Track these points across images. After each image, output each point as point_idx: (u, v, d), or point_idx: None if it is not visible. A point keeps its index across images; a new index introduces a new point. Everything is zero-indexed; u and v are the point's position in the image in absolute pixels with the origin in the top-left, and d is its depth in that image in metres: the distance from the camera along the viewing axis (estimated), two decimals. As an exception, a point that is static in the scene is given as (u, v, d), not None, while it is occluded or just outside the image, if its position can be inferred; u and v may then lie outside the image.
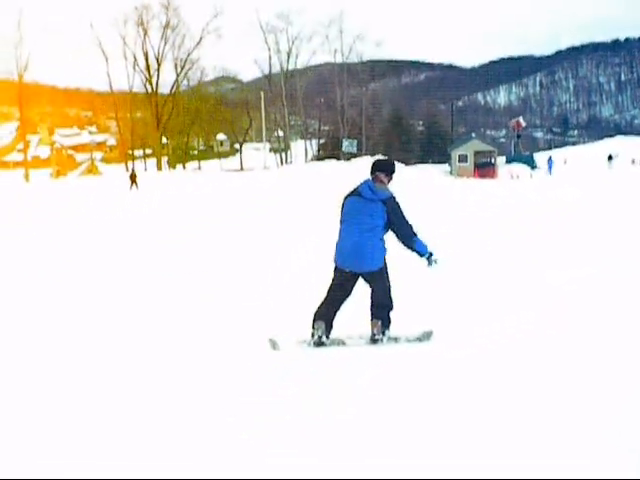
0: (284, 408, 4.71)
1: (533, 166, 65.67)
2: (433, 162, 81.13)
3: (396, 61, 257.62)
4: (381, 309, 6.56)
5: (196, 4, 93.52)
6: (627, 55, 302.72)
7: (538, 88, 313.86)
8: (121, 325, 7.89)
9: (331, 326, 6.61)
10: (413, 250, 6.51)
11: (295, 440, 4.15)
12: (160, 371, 5.93)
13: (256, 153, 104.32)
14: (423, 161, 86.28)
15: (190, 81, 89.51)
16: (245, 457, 3.94)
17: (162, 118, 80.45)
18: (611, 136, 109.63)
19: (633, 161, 66.57)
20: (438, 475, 3.62)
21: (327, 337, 6.60)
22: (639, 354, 5.65)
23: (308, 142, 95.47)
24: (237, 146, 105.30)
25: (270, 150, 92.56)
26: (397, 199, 6.49)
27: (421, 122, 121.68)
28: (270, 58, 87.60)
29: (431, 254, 6.52)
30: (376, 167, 6.68)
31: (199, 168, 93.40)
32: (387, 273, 6.53)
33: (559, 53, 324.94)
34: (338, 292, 6.57)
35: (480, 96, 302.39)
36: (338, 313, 6.62)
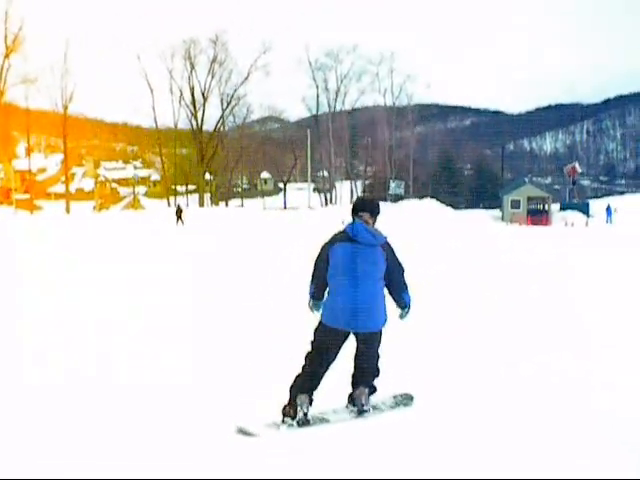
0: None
1: (588, 214, 63.01)
2: (483, 207, 78.52)
3: (442, 106, 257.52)
4: (370, 376, 5.88)
5: (244, 40, 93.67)
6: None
7: (585, 136, 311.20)
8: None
9: (312, 400, 5.66)
10: (400, 300, 5.85)
11: None
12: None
13: (299, 193, 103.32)
14: (472, 206, 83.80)
15: (236, 118, 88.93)
16: None
17: (206, 154, 79.67)
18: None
19: None
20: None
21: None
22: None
23: (353, 183, 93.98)
24: (281, 185, 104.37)
25: (314, 190, 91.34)
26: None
27: (469, 166, 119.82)
28: (318, 96, 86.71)
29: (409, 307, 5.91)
30: (360, 207, 5.85)
31: (242, 205, 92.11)
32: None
33: (607, 102, 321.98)
34: (324, 358, 5.66)
35: (526, 142, 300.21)
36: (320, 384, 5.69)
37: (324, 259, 5.70)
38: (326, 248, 5.71)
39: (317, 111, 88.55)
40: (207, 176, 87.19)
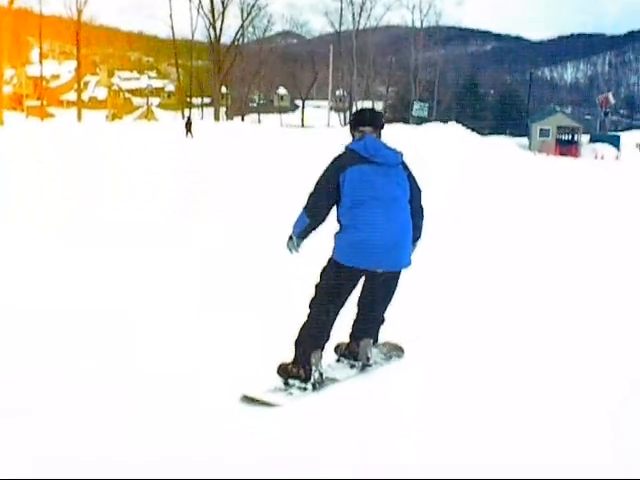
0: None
1: (619, 147, 61.06)
2: (510, 134, 76.08)
3: (462, 28, 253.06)
4: (378, 324, 5.15)
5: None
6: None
7: (607, 67, 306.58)
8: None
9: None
10: (417, 229, 4.92)
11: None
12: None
13: (316, 111, 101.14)
14: (497, 132, 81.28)
15: (256, 29, 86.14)
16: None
17: (223, 66, 77.02)
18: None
19: None
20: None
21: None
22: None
23: (373, 103, 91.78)
24: (297, 102, 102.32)
25: (331, 109, 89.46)
26: None
27: (492, 91, 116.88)
28: (342, 10, 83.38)
29: None
30: (361, 119, 4.98)
31: (259, 121, 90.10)
32: None
33: (631, 34, 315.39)
34: (338, 305, 4.75)
35: (547, 71, 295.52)
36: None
37: (331, 189, 4.66)
38: (334, 174, 4.66)
39: (340, 26, 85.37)
40: (223, 90, 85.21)
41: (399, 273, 4.87)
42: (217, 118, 76.47)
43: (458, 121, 67.82)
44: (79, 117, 69.57)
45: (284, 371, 4.70)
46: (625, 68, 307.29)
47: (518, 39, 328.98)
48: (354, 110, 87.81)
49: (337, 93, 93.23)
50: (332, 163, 4.72)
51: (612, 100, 70.96)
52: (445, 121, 67.04)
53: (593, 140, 64.75)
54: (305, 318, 4.76)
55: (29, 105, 68.64)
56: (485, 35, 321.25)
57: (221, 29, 77.75)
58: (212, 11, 77.36)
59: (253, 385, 4.58)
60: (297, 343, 4.72)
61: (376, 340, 5.20)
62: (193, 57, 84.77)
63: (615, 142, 62.75)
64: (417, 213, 4.93)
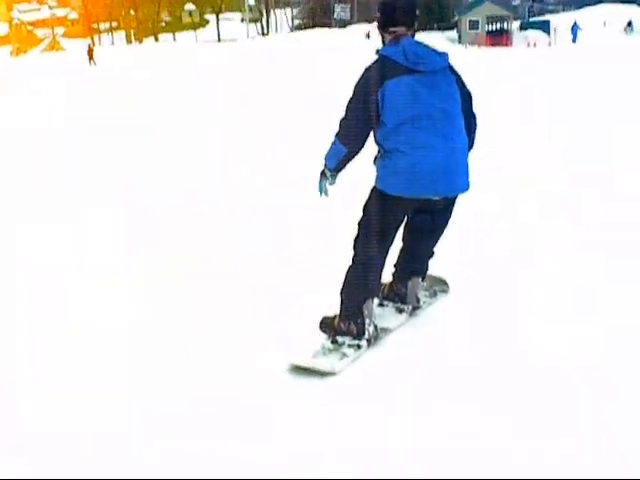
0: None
1: (549, 33, 59.70)
2: (438, 28, 73.43)
3: None
4: (428, 260, 4.42)
5: None
6: None
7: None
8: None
9: None
10: (471, 141, 4.10)
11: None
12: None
13: (228, 24, 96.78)
14: (426, 28, 78.59)
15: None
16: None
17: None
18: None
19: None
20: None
21: None
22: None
23: (290, 9, 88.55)
24: (207, 17, 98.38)
25: (242, 20, 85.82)
26: None
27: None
28: None
29: None
30: (394, 17, 3.90)
31: (174, 40, 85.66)
32: None
33: None
34: (389, 242, 4.06)
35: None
36: None
37: (369, 108, 3.78)
38: (371, 91, 3.76)
39: None
40: (132, 12, 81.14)
41: (455, 198, 4.13)
42: (129, 41, 72.85)
43: (381, 20, 65.98)
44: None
45: (330, 327, 4.10)
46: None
47: None
48: (269, 20, 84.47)
49: (250, 2, 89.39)
50: (365, 77, 3.84)
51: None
52: (369, 22, 65.08)
53: (523, 28, 63.74)
54: (350, 262, 4.12)
55: None
56: None
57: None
58: None
59: (297, 350, 3.93)
60: (343, 292, 4.10)
61: (424, 278, 4.55)
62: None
63: (545, 28, 61.45)
64: (469, 122, 4.09)
